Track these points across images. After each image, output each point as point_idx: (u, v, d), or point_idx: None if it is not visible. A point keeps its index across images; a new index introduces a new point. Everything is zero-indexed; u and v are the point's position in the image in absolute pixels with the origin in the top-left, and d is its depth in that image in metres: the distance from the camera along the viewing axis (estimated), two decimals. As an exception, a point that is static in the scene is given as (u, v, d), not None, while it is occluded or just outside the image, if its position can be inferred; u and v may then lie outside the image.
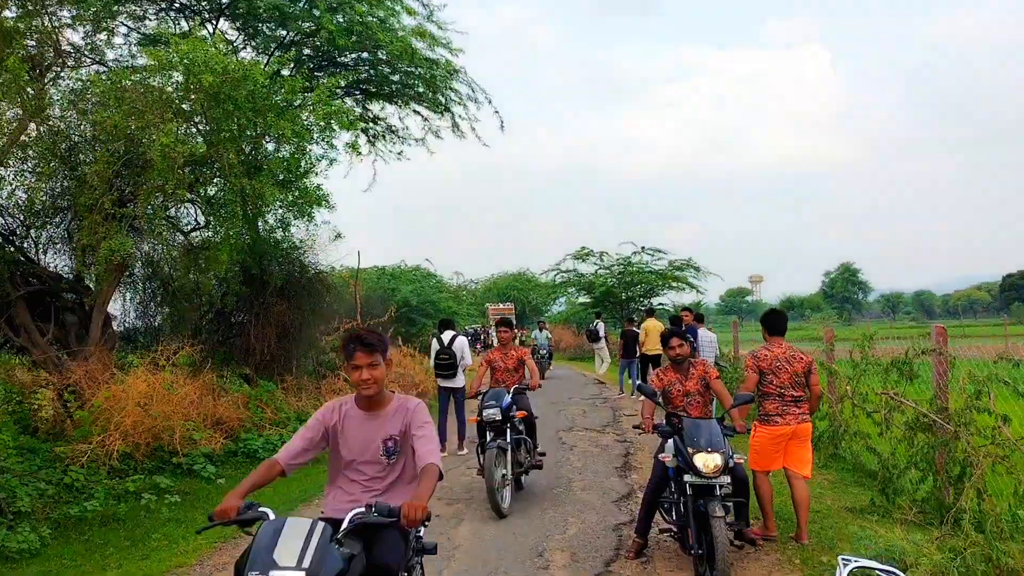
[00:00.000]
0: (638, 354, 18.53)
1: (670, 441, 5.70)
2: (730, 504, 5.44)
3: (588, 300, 38.08)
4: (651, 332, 17.06)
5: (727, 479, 5.37)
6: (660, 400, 6.06)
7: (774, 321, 6.50)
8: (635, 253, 35.01)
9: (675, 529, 5.86)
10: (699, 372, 6.18)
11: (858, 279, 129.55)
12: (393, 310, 17.27)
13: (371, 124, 18.71)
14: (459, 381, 10.58)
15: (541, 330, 23.70)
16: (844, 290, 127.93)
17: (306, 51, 16.03)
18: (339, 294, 14.01)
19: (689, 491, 5.35)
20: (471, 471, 9.40)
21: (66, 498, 7.92)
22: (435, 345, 10.60)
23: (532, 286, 63.06)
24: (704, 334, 11.79)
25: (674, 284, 35.45)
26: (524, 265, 68.17)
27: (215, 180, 9.97)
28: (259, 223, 10.97)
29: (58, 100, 10.27)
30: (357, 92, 18.04)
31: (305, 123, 10.27)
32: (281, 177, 10.58)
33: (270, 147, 10.68)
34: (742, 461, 5.64)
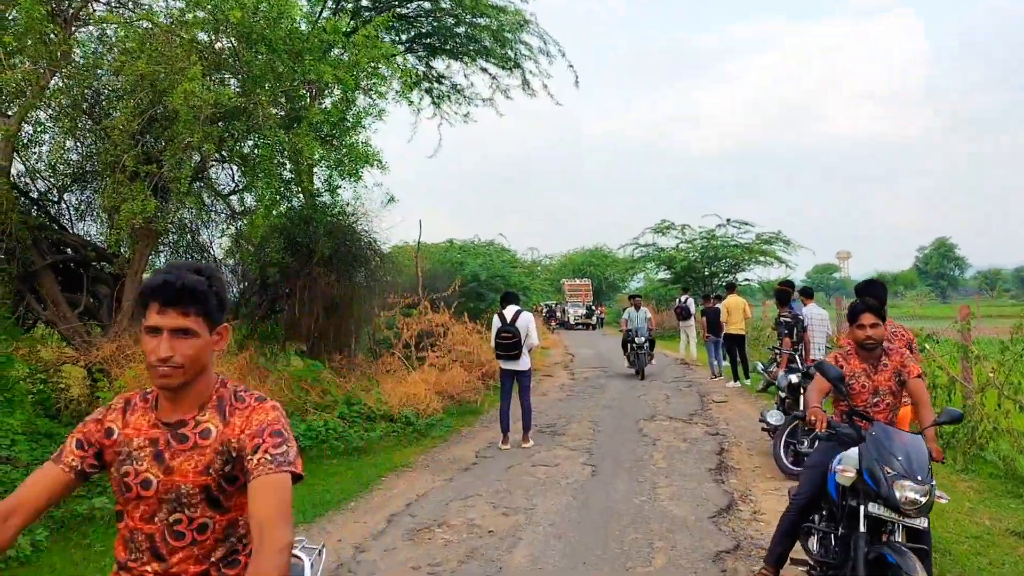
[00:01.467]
0: (723, 333, 17.01)
1: (851, 451, 4.11)
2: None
3: (668, 276, 36.46)
4: (733, 310, 15.42)
5: (925, 523, 3.83)
6: (845, 390, 4.42)
7: (868, 292, 5.27)
8: (719, 226, 33.31)
9: (818, 569, 4.35)
10: (895, 364, 4.55)
11: (954, 255, 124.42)
12: (458, 283, 15.97)
13: (435, 83, 17.44)
14: (524, 363, 9.20)
15: (637, 309, 17.71)
16: (939, 266, 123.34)
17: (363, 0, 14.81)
18: (396, 265, 12.78)
19: (863, 526, 3.83)
20: (537, 469, 8.05)
21: (75, 493, 6.92)
22: (496, 322, 9.25)
23: (609, 262, 61.60)
24: (814, 311, 10.06)
25: (761, 259, 33.77)
26: (600, 241, 66.35)
27: (249, 135, 8.78)
28: (299, 185, 9.76)
29: (81, 48, 9.26)
30: (420, 48, 16.75)
31: (348, 66, 8.95)
32: (324, 132, 9.36)
33: (311, 99, 9.42)
34: (945, 501, 4.03)
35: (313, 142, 8.70)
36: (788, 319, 9.09)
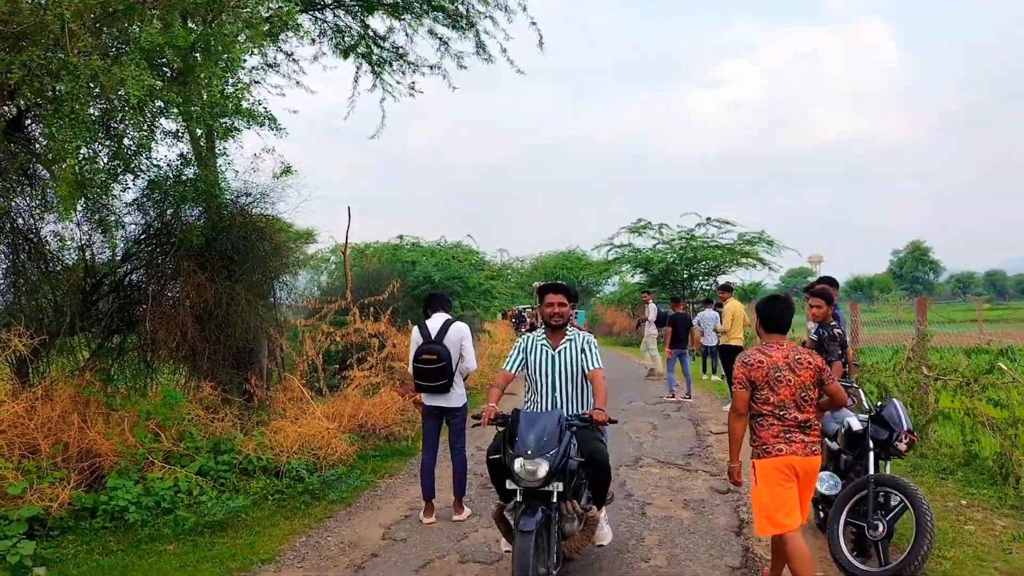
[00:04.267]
0: (717, 343, 14.59)
1: None
2: None
3: (645, 279, 33.99)
4: (736, 317, 12.82)
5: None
6: None
7: (771, 312, 4.62)
8: (699, 225, 30.92)
9: None
10: None
11: (929, 259, 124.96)
12: (396, 285, 13.11)
13: (373, 46, 14.58)
14: (455, 397, 6.37)
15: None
16: (914, 270, 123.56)
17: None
18: (296, 256, 9.93)
19: None
20: (469, 568, 5.25)
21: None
22: (416, 337, 6.41)
23: (583, 265, 59.33)
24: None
25: (743, 260, 31.52)
26: (573, 244, 64.11)
27: (42, 58, 5.87)
28: (129, 139, 6.82)
29: None
30: (351, 1, 13.91)
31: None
32: (166, 64, 6.52)
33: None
34: None
35: (142, 74, 5.83)
36: (839, 332, 6.36)
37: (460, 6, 13.56)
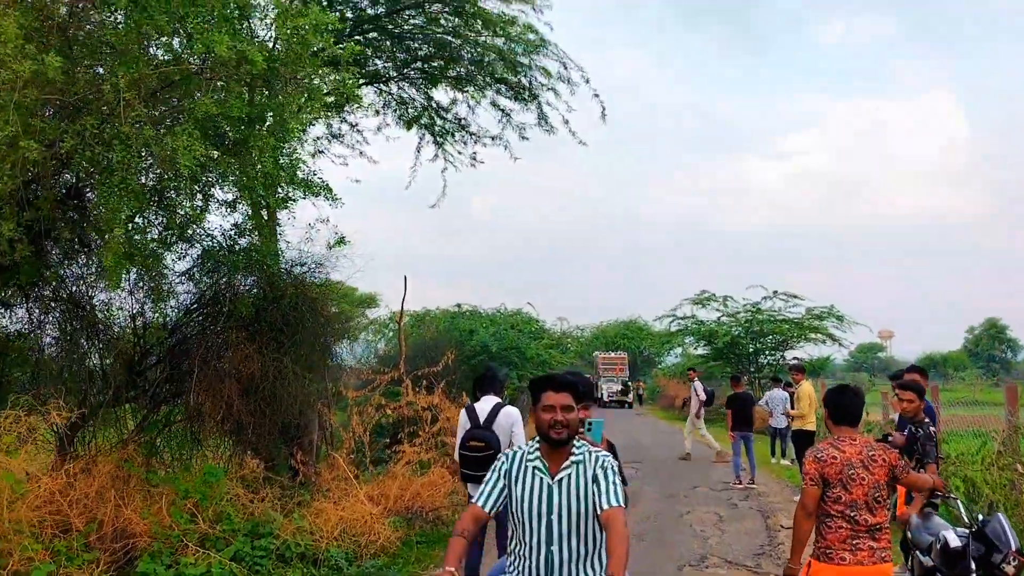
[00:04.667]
0: (789, 426, 13.96)
1: None
2: None
3: (708, 351, 33.18)
4: (812, 399, 12.14)
5: None
6: None
7: (841, 402, 4.28)
8: (765, 298, 30.17)
9: None
10: None
11: (1006, 336, 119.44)
12: (451, 356, 12.77)
13: (436, 117, 14.62)
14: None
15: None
16: (990, 348, 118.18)
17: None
18: (349, 326, 9.70)
19: None
20: None
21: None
22: (463, 420, 6.02)
23: (644, 335, 58.60)
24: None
25: (812, 335, 30.61)
26: (635, 313, 63.36)
27: (96, 127, 5.82)
28: (183, 210, 6.72)
29: None
30: (417, 75, 14.01)
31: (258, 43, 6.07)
32: (220, 134, 6.44)
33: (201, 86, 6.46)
34: None
35: (194, 144, 5.72)
36: (934, 431, 5.69)
37: (523, 78, 13.55)
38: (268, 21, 6.69)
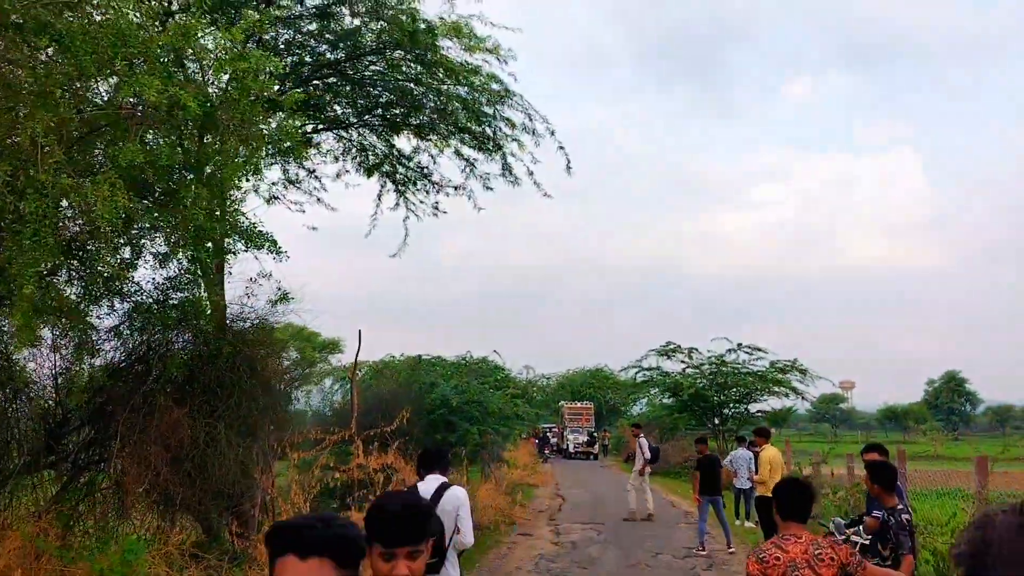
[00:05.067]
0: (753, 487, 13.65)
1: None
2: None
3: (673, 403, 32.92)
4: (775, 464, 11.79)
5: None
6: None
7: (790, 498, 4.11)
8: (730, 351, 29.97)
9: None
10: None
11: (964, 389, 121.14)
12: (406, 413, 12.22)
13: (397, 165, 14.28)
14: (449, 575, 5.41)
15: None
16: (950, 401, 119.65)
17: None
18: (308, 373, 9.16)
19: None
20: None
21: None
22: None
23: (610, 384, 58.03)
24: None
25: (776, 388, 30.56)
26: (601, 362, 63.12)
27: (7, 174, 5.35)
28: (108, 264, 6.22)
29: None
30: (378, 123, 13.69)
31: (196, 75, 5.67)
32: (146, 183, 5.98)
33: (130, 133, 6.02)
34: None
35: (116, 194, 5.25)
36: (907, 519, 5.30)
37: (487, 128, 13.29)
38: (207, 64, 6.27)
